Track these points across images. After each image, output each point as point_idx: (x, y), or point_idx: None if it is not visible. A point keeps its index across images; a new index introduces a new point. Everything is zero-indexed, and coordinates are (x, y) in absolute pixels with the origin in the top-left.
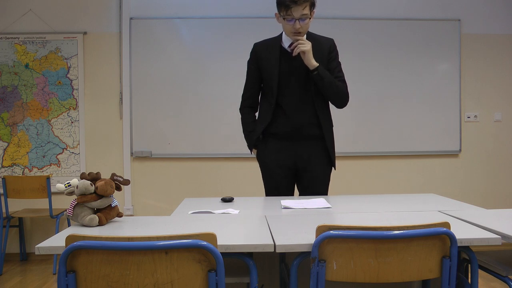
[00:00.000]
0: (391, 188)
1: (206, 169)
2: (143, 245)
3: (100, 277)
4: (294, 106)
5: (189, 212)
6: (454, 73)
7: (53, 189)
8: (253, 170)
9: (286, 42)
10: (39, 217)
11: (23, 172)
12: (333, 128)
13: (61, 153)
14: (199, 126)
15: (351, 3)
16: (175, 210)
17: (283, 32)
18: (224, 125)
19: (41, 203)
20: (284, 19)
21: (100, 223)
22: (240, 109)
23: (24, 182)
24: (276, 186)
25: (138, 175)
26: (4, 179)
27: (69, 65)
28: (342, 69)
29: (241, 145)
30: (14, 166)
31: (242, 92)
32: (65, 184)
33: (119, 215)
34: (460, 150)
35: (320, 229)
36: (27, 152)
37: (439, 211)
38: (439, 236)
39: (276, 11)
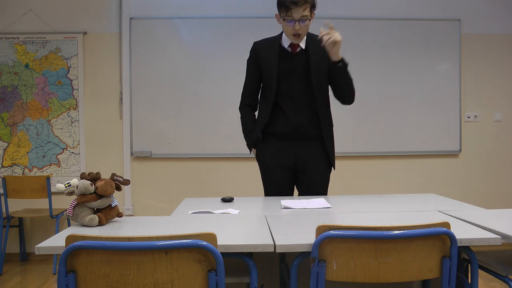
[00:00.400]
0: (391, 188)
1: (206, 169)
2: (143, 245)
3: (100, 277)
4: (294, 106)
5: (189, 212)
6: (454, 73)
7: (53, 189)
8: (253, 170)
9: (286, 41)
10: (39, 217)
11: (23, 172)
12: (333, 128)
13: (61, 153)
14: (199, 126)
15: (351, 3)
16: (175, 210)
17: (283, 32)
18: (224, 125)
19: (41, 203)
20: (284, 20)
21: (100, 223)
22: (239, 107)
23: (24, 182)
24: (276, 186)
25: (138, 175)
26: (4, 179)
27: (69, 65)
28: None
29: (241, 145)
30: (14, 166)
31: (241, 92)
32: (65, 184)
33: (119, 215)
34: (460, 150)
35: (320, 229)
36: (27, 152)
37: (439, 211)
38: (439, 236)
39: (277, 12)
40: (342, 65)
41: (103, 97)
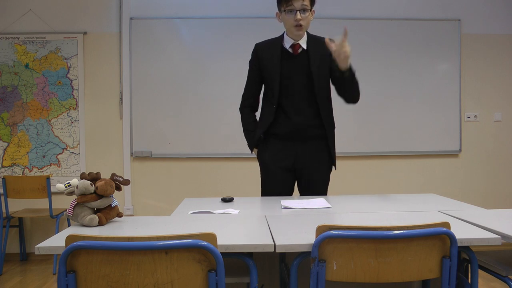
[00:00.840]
0: (391, 188)
1: (206, 169)
2: (143, 245)
3: (100, 277)
4: (296, 107)
5: (189, 212)
6: (454, 73)
7: (53, 189)
8: (253, 170)
9: (287, 42)
10: (39, 217)
11: (23, 172)
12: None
13: (61, 153)
14: (199, 126)
15: (351, 3)
16: (175, 210)
17: (285, 33)
18: (224, 125)
19: (41, 203)
20: (285, 11)
21: (100, 223)
22: (240, 109)
23: (24, 182)
24: (275, 187)
25: (138, 175)
26: (4, 179)
27: (69, 65)
28: None
29: (241, 145)
30: (14, 166)
31: (242, 92)
32: (65, 184)
33: (119, 215)
34: (460, 150)
35: (320, 229)
36: (27, 152)
37: (439, 211)
38: (439, 236)
39: (277, 11)
40: (349, 73)
41: (103, 97)
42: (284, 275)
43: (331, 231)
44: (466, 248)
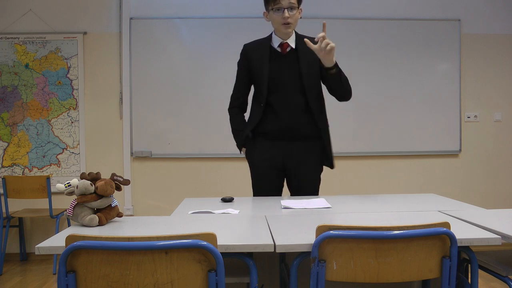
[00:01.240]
0: (391, 188)
1: (206, 169)
2: (143, 245)
3: (100, 277)
4: (284, 105)
5: (189, 212)
6: (454, 73)
7: (53, 189)
8: None
9: (275, 42)
10: (39, 217)
11: (23, 172)
12: (334, 128)
13: (61, 153)
14: (199, 126)
15: (351, 3)
16: (175, 210)
17: (273, 32)
18: (224, 125)
19: (41, 203)
20: (272, 10)
21: (100, 223)
22: (228, 109)
23: (24, 182)
24: (264, 186)
25: (138, 175)
26: (4, 179)
27: (69, 65)
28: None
29: None
30: (14, 166)
31: (231, 93)
32: (65, 184)
33: (119, 215)
34: (460, 150)
35: (320, 229)
36: (27, 152)
37: (439, 211)
38: (439, 236)
39: (264, 11)
40: (336, 70)
41: (103, 97)
42: (284, 275)
43: (331, 231)
44: (466, 248)
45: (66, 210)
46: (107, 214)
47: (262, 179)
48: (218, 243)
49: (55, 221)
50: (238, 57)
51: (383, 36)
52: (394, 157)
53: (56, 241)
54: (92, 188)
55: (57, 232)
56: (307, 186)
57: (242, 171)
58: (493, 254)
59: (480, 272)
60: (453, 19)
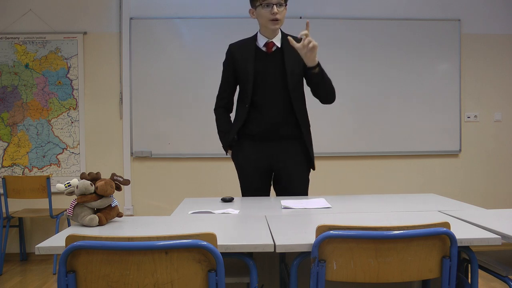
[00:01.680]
0: (391, 188)
1: (206, 169)
2: (143, 245)
3: (100, 277)
4: (270, 106)
5: (189, 212)
6: (454, 73)
7: (53, 189)
8: None
9: (261, 41)
10: (39, 217)
11: (23, 172)
12: (334, 128)
13: (61, 153)
14: (199, 126)
15: (351, 3)
16: (175, 210)
17: (258, 32)
18: None
19: (41, 203)
20: (261, 6)
21: (100, 223)
22: (214, 109)
23: (24, 182)
24: (252, 187)
25: (138, 175)
26: (4, 179)
27: (69, 65)
28: (341, 68)
29: None
30: (14, 166)
31: (217, 94)
32: (65, 184)
33: (119, 215)
34: (460, 150)
35: (320, 229)
36: (27, 152)
37: (439, 211)
38: (439, 236)
39: (250, 8)
40: (319, 70)
41: (103, 97)
42: (284, 275)
43: (331, 231)
44: (466, 248)
45: (66, 210)
46: (107, 214)
47: (249, 180)
48: (218, 243)
49: (55, 221)
50: None
51: (383, 36)
52: (394, 157)
53: (56, 241)
54: (92, 188)
55: (57, 232)
56: (296, 187)
57: None
58: (493, 254)
59: (480, 272)
60: (453, 19)
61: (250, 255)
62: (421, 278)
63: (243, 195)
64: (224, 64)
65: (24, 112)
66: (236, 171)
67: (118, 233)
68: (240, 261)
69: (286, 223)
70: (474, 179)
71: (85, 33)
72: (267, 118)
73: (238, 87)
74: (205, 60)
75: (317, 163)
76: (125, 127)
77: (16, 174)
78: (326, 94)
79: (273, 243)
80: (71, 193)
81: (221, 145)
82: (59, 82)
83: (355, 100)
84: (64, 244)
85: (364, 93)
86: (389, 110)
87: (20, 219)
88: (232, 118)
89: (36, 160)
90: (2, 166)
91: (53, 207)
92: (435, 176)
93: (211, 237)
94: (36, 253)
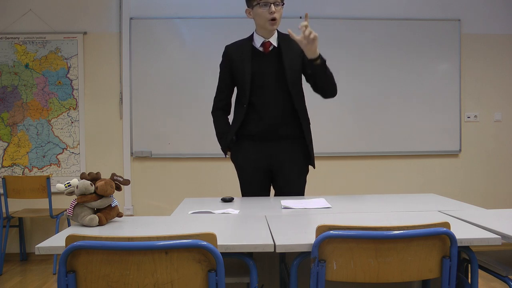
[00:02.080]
0: (391, 188)
1: (206, 169)
2: (143, 245)
3: (100, 277)
4: (268, 106)
5: (189, 212)
6: (454, 73)
7: (53, 189)
8: None
9: (257, 41)
10: (39, 217)
11: (23, 172)
12: (334, 128)
13: (61, 153)
14: (199, 126)
15: (351, 3)
16: (175, 210)
17: (254, 32)
18: None
19: (41, 203)
20: (258, 5)
21: (100, 223)
22: (212, 111)
23: (24, 182)
24: (252, 188)
25: (138, 175)
26: (4, 179)
27: (69, 65)
28: (341, 68)
29: None
30: (14, 166)
31: (214, 96)
32: (65, 184)
33: (119, 215)
34: (460, 150)
35: (320, 229)
36: (27, 152)
37: (439, 211)
38: (439, 236)
39: (246, 8)
40: (321, 61)
41: (103, 97)
42: (284, 275)
43: (331, 231)
44: (466, 248)
45: (66, 210)
46: (107, 214)
47: (249, 181)
48: (218, 243)
49: (55, 221)
50: None
51: (383, 36)
52: (394, 157)
53: (56, 241)
54: (92, 188)
55: (57, 232)
56: (294, 186)
57: None
58: (493, 254)
59: (480, 272)
60: (453, 19)
61: (250, 255)
62: (421, 278)
63: (243, 195)
64: (221, 65)
65: (24, 112)
66: (236, 171)
67: (118, 233)
68: (240, 261)
69: (286, 223)
70: (474, 179)
71: (85, 33)
72: (265, 119)
73: (235, 88)
74: (205, 60)
75: (317, 163)
76: (125, 127)
77: (16, 174)
78: (328, 87)
79: (273, 243)
80: (71, 193)
81: (215, 144)
82: (59, 82)
83: (355, 100)
84: (64, 244)
85: (364, 93)
86: (389, 110)
87: (20, 219)
88: (231, 120)
89: (36, 160)
90: (2, 166)
91: (53, 207)
92: (435, 176)
93: (211, 237)
94: (36, 253)
